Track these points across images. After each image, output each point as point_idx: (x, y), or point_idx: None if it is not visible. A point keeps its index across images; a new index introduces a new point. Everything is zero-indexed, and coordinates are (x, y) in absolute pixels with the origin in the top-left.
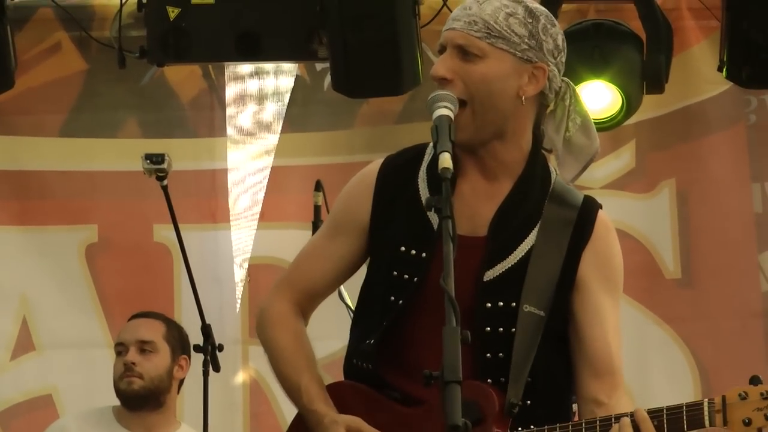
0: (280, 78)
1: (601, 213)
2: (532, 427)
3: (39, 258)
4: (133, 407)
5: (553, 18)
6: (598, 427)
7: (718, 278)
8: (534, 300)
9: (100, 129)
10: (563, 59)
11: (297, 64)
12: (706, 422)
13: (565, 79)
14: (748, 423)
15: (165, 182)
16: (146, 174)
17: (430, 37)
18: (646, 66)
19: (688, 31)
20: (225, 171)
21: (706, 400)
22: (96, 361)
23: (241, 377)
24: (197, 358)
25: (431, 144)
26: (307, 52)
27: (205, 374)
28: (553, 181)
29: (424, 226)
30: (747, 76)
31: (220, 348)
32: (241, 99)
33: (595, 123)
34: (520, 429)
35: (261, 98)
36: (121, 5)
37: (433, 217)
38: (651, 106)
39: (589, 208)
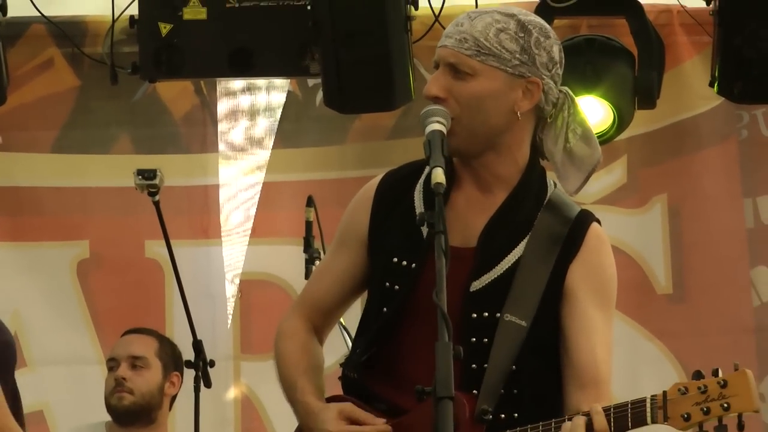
0: (272, 94)
1: (594, 225)
2: None
3: (31, 274)
4: (124, 423)
5: (548, 30)
6: (552, 428)
7: (710, 293)
8: (517, 310)
9: (92, 145)
10: (559, 71)
11: (289, 80)
12: (648, 419)
13: (564, 89)
14: (687, 418)
15: (157, 198)
16: (138, 189)
17: (423, 52)
18: (638, 81)
19: (680, 46)
20: (217, 187)
21: (649, 396)
22: (88, 378)
23: (232, 393)
24: (189, 374)
25: None
26: (299, 67)
27: (197, 390)
28: (549, 194)
29: (415, 237)
30: (739, 91)
31: (212, 364)
32: (233, 115)
33: None
34: None
35: (253, 114)
36: (114, 21)
37: (425, 229)
38: (643, 122)
39: (582, 220)
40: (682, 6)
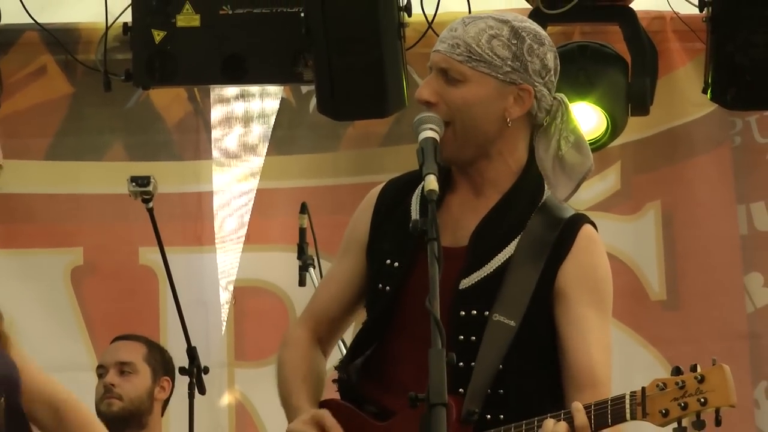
0: (265, 100)
1: (586, 227)
2: None
3: (25, 281)
4: (114, 429)
5: (543, 36)
6: (535, 426)
7: (704, 300)
8: (506, 310)
9: (85, 152)
10: (553, 78)
11: (282, 87)
12: (627, 415)
13: (559, 96)
14: (665, 414)
15: (150, 205)
16: (132, 196)
17: (416, 59)
18: (631, 88)
19: (673, 53)
20: (210, 194)
21: (629, 393)
22: (82, 384)
23: (226, 399)
24: (183, 381)
25: None
26: (292, 74)
27: (191, 397)
28: (544, 197)
29: (405, 239)
30: (732, 98)
31: (206, 370)
32: (227, 122)
33: None
34: None
35: (246, 121)
36: (107, 28)
37: None
38: (636, 128)
39: (574, 221)
40: (675, 13)
